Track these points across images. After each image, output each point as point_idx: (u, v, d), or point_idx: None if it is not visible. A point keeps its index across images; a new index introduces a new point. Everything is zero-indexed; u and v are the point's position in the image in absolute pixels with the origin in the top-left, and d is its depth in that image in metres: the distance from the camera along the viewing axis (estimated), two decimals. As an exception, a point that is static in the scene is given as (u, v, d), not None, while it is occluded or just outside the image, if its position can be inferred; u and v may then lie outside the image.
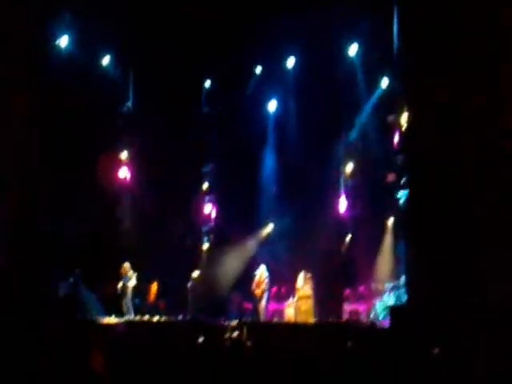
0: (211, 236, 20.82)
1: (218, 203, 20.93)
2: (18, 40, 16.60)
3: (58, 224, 17.88)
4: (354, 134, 19.62)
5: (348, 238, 19.72)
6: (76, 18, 18.11)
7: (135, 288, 18.52)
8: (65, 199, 18.11)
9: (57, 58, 18.31)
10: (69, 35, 18.53)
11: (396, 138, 17.46)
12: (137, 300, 18.80)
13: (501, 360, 8.84)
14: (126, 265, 18.42)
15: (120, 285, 18.28)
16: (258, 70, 20.13)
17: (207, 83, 20.77)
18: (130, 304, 18.33)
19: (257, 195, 20.32)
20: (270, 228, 20.65)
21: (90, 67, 19.12)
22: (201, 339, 10.79)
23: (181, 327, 15.92)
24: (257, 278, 18.56)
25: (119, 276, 18.40)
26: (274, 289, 18.76)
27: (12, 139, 16.90)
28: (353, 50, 19.00)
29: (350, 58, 19.12)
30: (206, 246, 20.84)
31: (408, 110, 15.99)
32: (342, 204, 19.73)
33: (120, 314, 17.84)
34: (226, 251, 20.21)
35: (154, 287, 19.39)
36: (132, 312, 18.23)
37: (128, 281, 18.32)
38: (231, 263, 20.11)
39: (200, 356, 9.47)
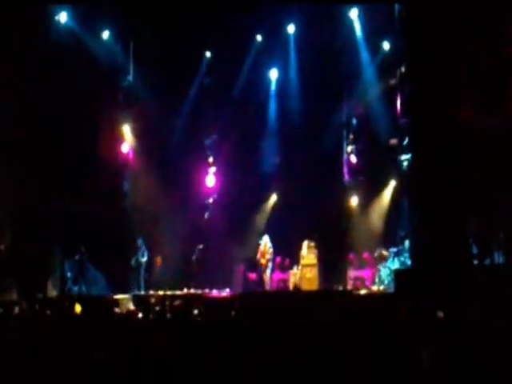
0: (213, 208, 20.45)
1: (220, 175, 20.58)
2: (18, 16, 16.56)
3: (64, 202, 17.88)
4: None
5: (352, 202, 19.51)
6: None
7: (146, 263, 18.68)
8: (67, 177, 18.08)
9: (56, 33, 18.21)
10: (68, 11, 18.38)
11: (398, 102, 17.13)
12: (146, 275, 18.83)
13: (503, 323, 8.59)
14: (139, 241, 18.61)
15: (133, 261, 18.47)
16: (259, 38, 19.75)
17: (208, 54, 20.41)
18: (142, 280, 18.52)
19: (259, 166, 19.98)
20: (273, 199, 20.36)
21: (89, 42, 18.87)
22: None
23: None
24: (261, 248, 18.47)
25: (129, 252, 18.55)
26: (278, 259, 18.62)
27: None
28: (353, 13, 18.67)
29: (350, 22, 18.77)
30: (208, 218, 20.48)
31: (410, 74, 15.70)
32: (345, 169, 19.45)
33: (126, 290, 17.66)
34: (231, 225, 19.70)
35: (159, 261, 19.35)
36: (142, 287, 18.35)
37: (142, 257, 18.54)
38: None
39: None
